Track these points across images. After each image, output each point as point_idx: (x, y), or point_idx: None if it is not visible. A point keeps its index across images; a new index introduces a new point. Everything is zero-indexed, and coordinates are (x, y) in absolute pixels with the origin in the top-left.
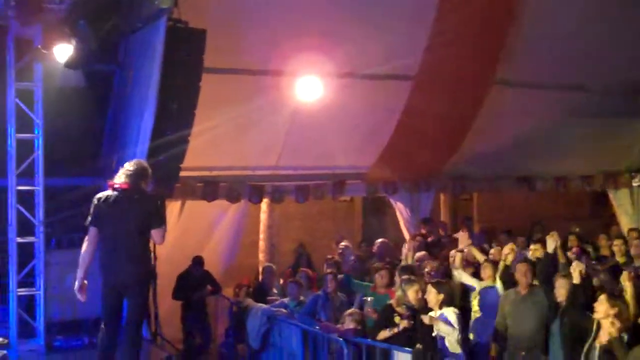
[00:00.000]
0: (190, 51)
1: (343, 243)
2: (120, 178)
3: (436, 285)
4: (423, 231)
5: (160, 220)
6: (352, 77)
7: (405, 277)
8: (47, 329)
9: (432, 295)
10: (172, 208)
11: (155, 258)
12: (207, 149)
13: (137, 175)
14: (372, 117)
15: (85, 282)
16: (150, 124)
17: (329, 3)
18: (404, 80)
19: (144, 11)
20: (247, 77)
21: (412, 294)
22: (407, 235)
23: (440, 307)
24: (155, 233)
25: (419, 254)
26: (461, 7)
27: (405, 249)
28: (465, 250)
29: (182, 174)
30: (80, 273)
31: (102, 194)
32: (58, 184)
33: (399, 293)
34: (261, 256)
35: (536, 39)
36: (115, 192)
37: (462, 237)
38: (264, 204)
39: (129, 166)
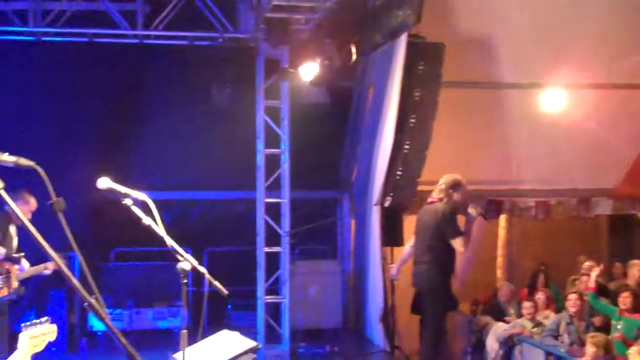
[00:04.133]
0: (429, 65)
1: (587, 263)
2: (434, 193)
3: None
4: None
5: (452, 230)
6: (599, 88)
7: None
8: (292, 335)
9: None
10: (410, 222)
11: None
12: (444, 163)
13: (446, 189)
14: (619, 129)
15: (395, 273)
16: (390, 138)
17: (574, 13)
18: None
19: (387, 28)
20: (486, 90)
21: None
22: None
23: None
24: (452, 243)
25: None
26: None
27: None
28: None
29: (420, 188)
30: (397, 263)
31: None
32: (301, 196)
33: None
34: (499, 273)
35: None
36: (427, 206)
37: None
38: (502, 220)
39: (440, 181)
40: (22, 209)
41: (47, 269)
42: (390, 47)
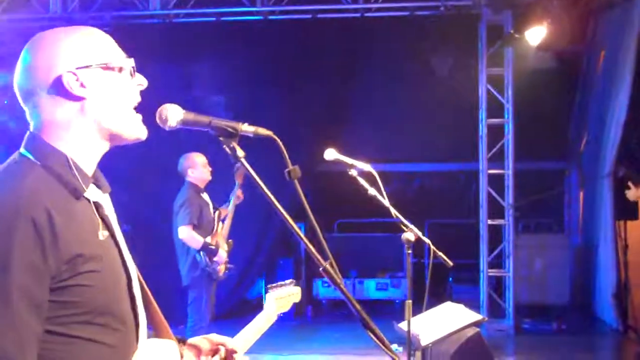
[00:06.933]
0: None
1: None
2: None
3: None
4: None
5: None
6: None
7: None
8: (516, 310)
9: None
10: None
11: (626, 246)
12: None
13: None
14: None
15: None
16: (625, 104)
17: None
18: None
19: None
20: None
21: None
22: None
23: None
24: None
25: None
26: None
27: None
28: None
29: None
30: None
31: None
32: (525, 167)
33: None
34: None
35: None
36: None
37: None
38: None
39: None
40: (205, 170)
41: (239, 197)
42: (626, 6)
